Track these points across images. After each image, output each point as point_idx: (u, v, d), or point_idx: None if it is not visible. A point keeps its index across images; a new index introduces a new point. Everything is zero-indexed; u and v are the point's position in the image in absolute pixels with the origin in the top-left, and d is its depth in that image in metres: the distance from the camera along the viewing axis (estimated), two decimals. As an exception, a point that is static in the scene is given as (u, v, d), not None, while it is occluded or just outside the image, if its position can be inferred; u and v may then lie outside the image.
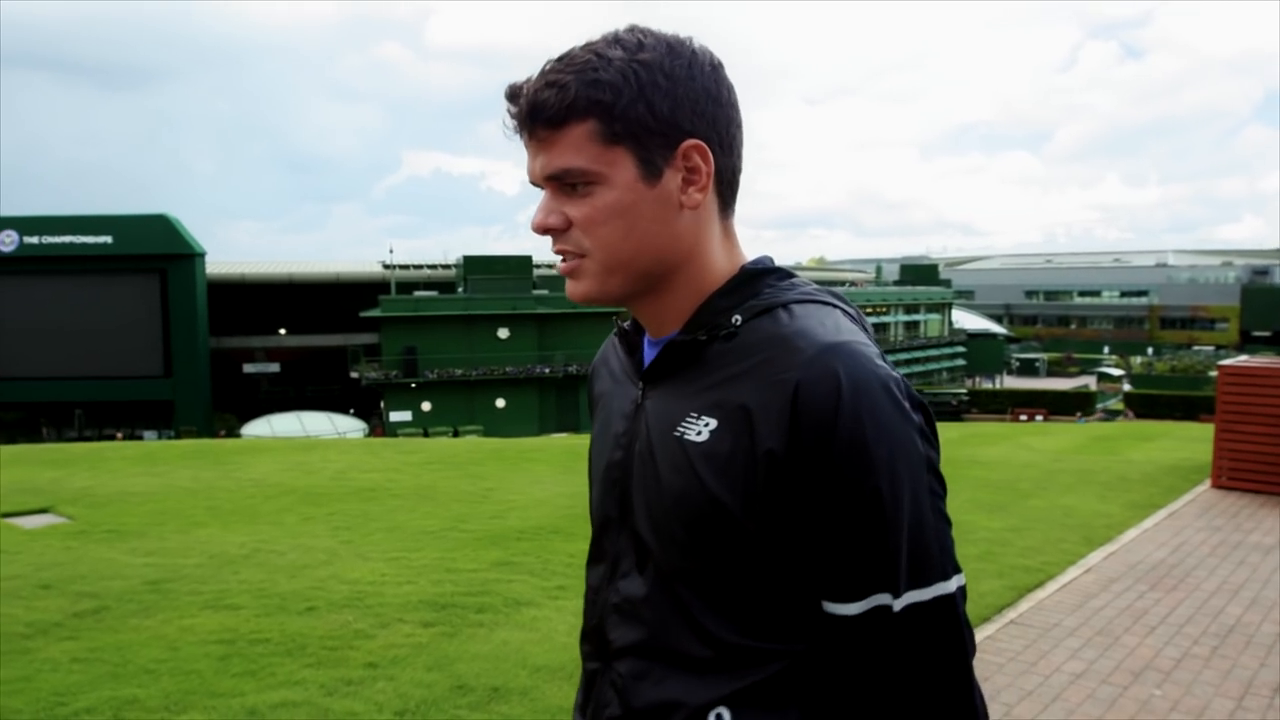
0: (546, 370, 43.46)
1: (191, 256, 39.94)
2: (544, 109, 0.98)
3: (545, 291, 44.92)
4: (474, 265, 44.29)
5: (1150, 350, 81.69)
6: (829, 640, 0.98)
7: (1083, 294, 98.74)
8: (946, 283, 71.00)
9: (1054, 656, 4.74)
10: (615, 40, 1.00)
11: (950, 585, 0.96)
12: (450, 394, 41.62)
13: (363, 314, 43.01)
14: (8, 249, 38.12)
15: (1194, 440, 21.41)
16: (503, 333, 42.91)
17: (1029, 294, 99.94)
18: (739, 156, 1.06)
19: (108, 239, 38.53)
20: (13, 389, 38.97)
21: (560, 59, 1.00)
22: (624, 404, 1.12)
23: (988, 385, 58.00)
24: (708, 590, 1.00)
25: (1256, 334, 78.78)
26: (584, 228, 1.00)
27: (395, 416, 40.42)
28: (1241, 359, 10.07)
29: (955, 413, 41.88)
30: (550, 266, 52.03)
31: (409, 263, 49.40)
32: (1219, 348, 76.21)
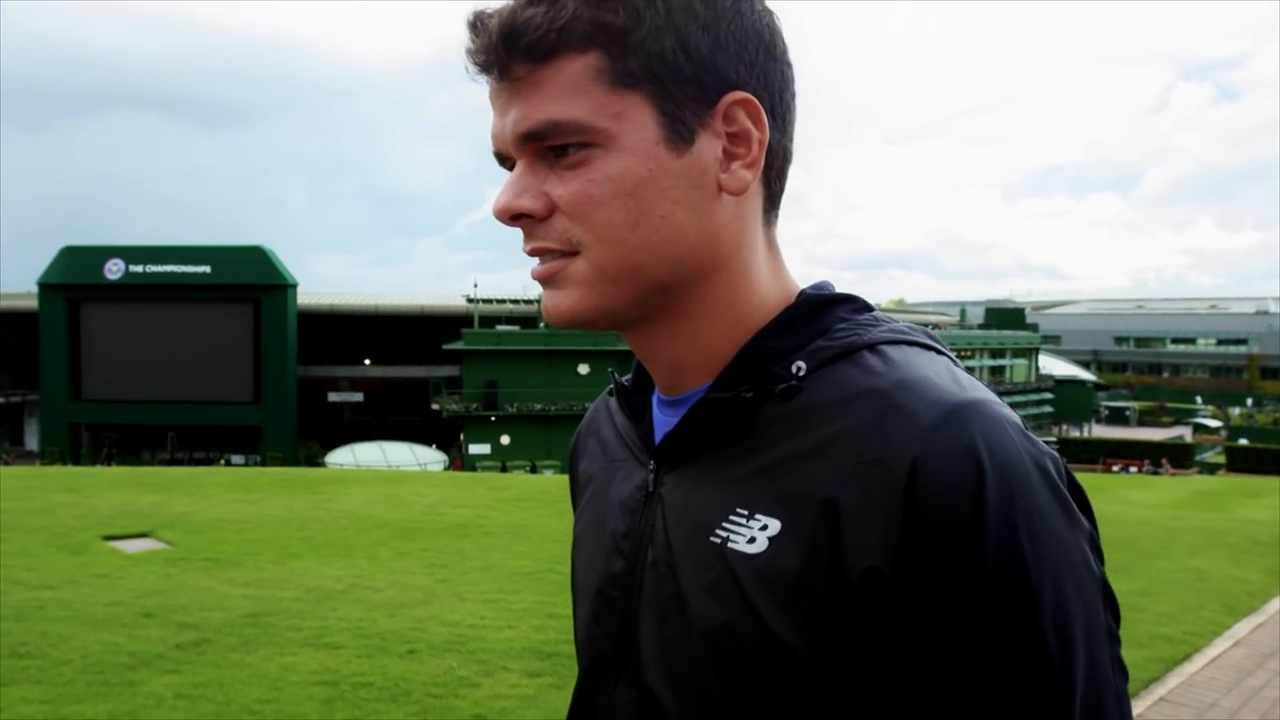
0: (624, 407, 43.47)
1: (284, 287, 41.16)
2: (524, 33, 0.65)
3: (624, 328, 45.06)
4: (555, 300, 44.67)
5: (1249, 401, 78.20)
6: None
7: (1176, 341, 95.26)
8: (1034, 327, 69.15)
9: (1218, 744, 4.30)
10: None
11: None
12: (529, 428, 41.84)
13: (445, 346, 43.66)
14: (115, 276, 39.86)
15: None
16: (583, 368, 43.06)
17: (1119, 340, 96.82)
18: (791, 138, 0.73)
19: (206, 269, 40.01)
20: (113, 410, 40.51)
21: None
22: (626, 492, 0.77)
23: (1075, 434, 56.02)
24: None
25: (1369, 385, 74.88)
26: (574, 211, 0.67)
27: (474, 449, 40.77)
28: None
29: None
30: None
31: (492, 297, 50.08)
32: (1325, 399, 72.58)
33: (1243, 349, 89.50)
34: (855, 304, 0.75)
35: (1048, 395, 63.96)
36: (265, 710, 4.24)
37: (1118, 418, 68.55)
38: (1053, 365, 70.82)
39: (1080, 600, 0.62)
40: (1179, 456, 42.20)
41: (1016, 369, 63.97)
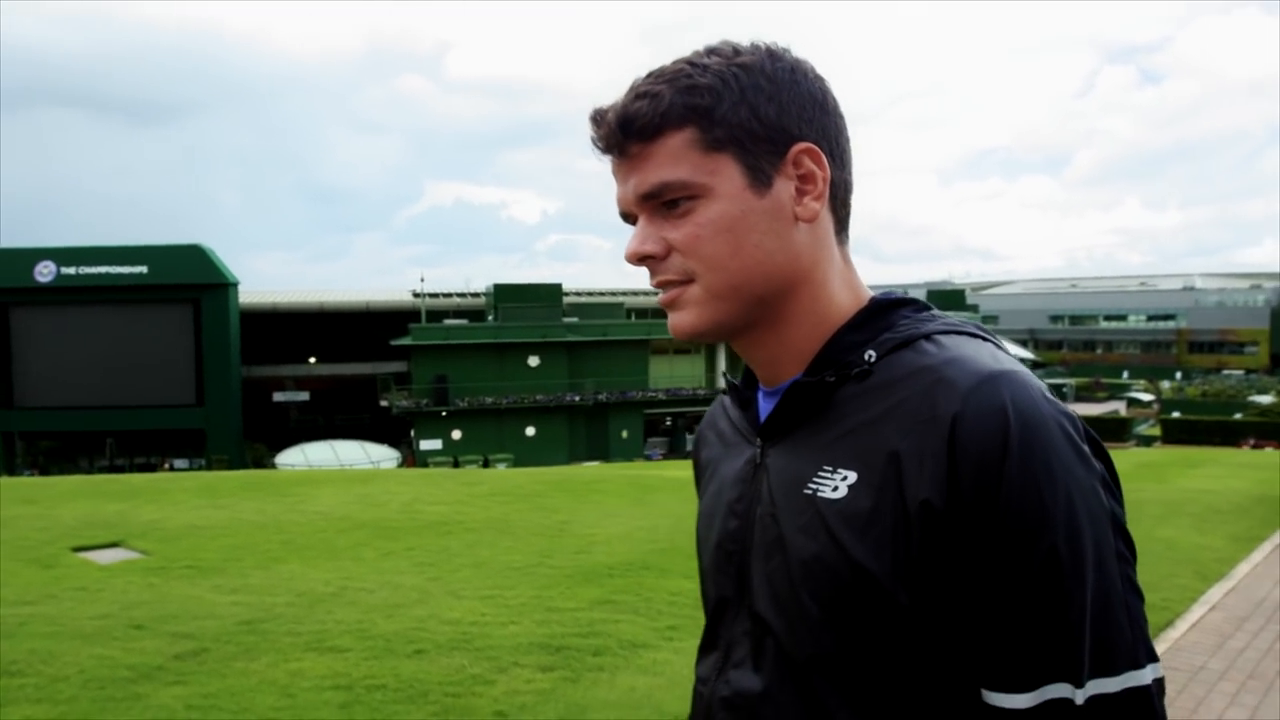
0: (577, 398, 43.31)
1: (225, 286, 40.17)
2: (635, 120, 0.87)
3: (575, 319, 44.88)
4: (504, 294, 44.34)
5: (1179, 375, 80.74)
6: None
7: (1109, 318, 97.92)
8: (974, 308, 70.50)
9: (1213, 702, 4.47)
10: (709, 50, 0.89)
11: (1145, 675, 0.77)
12: (480, 422, 41.51)
13: (393, 342, 43.05)
14: (46, 279, 38.46)
15: (1247, 467, 21.02)
16: (533, 361, 42.83)
17: (1054, 319, 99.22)
18: (850, 172, 0.93)
19: (143, 269, 38.82)
20: (49, 418, 39.19)
21: (650, 74, 0.89)
22: (738, 466, 0.96)
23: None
24: (848, 681, 0.82)
25: (1288, 358, 77.77)
26: (686, 249, 0.88)
27: (425, 445, 40.32)
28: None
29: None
30: (579, 294, 52.13)
31: (439, 291, 49.51)
32: (1249, 372, 75.33)
33: (1171, 324, 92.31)
34: (916, 305, 0.93)
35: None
36: (282, 717, 4.18)
37: (1055, 394, 70.01)
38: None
39: (1091, 525, 0.77)
40: (1116, 430, 43.48)
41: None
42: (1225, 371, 78.13)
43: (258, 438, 42.34)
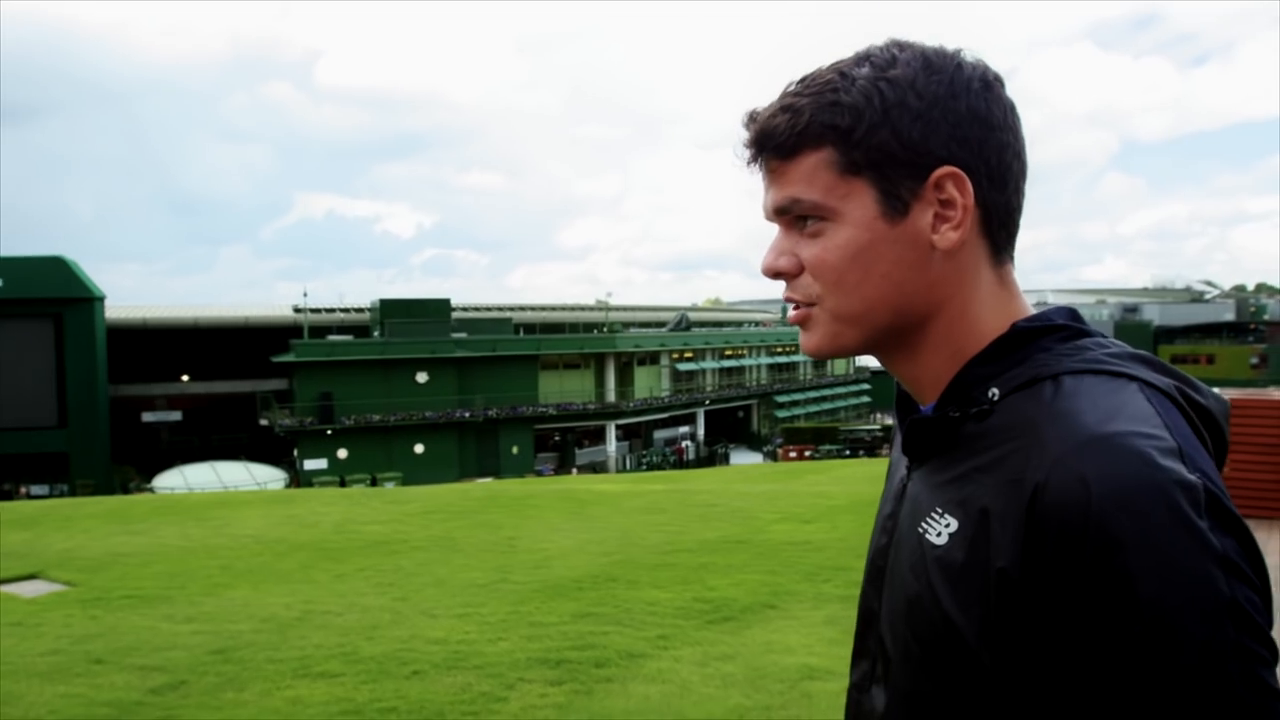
0: (467, 414, 42.73)
1: (90, 300, 37.83)
2: (774, 136, 0.86)
3: (464, 335, 44.29)
4: (391, 309, 43.38)
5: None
6: None
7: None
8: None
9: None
10: (865, 57, 0.85)
11: None
12: (367, 441, 40.41)
13: (275, 358, 41.45)
14: (-116, 293, 35.37)
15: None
16: (421, 377, 42.03)
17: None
18: (1017, 191, 0.88)
19: (-2, 282, 36.19)
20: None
21: (802, 79, 0.87)
22: (896, 482, 0.97)
23: (889, 421, 59.62)
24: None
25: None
26: (813, 270, 0.86)
27: (310, 464, 38.93)
28: (1233, 392, 10.62)
29: (871, 448, 42.96)
30: (467, 309, 51.46)
31: (321, 306, 47.96)
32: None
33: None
34: (1064, 333, 0.85)
35: (865, 385, 67.92)
36: (300, 746, 4.05)
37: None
38: (868, 357, 74.98)
39: (1195, 612, 0.66)
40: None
41: (836, 362, 67.53)
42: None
43: (126, 460, 39.94)
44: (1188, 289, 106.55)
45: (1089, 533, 0.68)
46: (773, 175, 0.87)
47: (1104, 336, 0.85)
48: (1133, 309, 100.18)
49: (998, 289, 0.87)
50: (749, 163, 0.89)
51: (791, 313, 0.90)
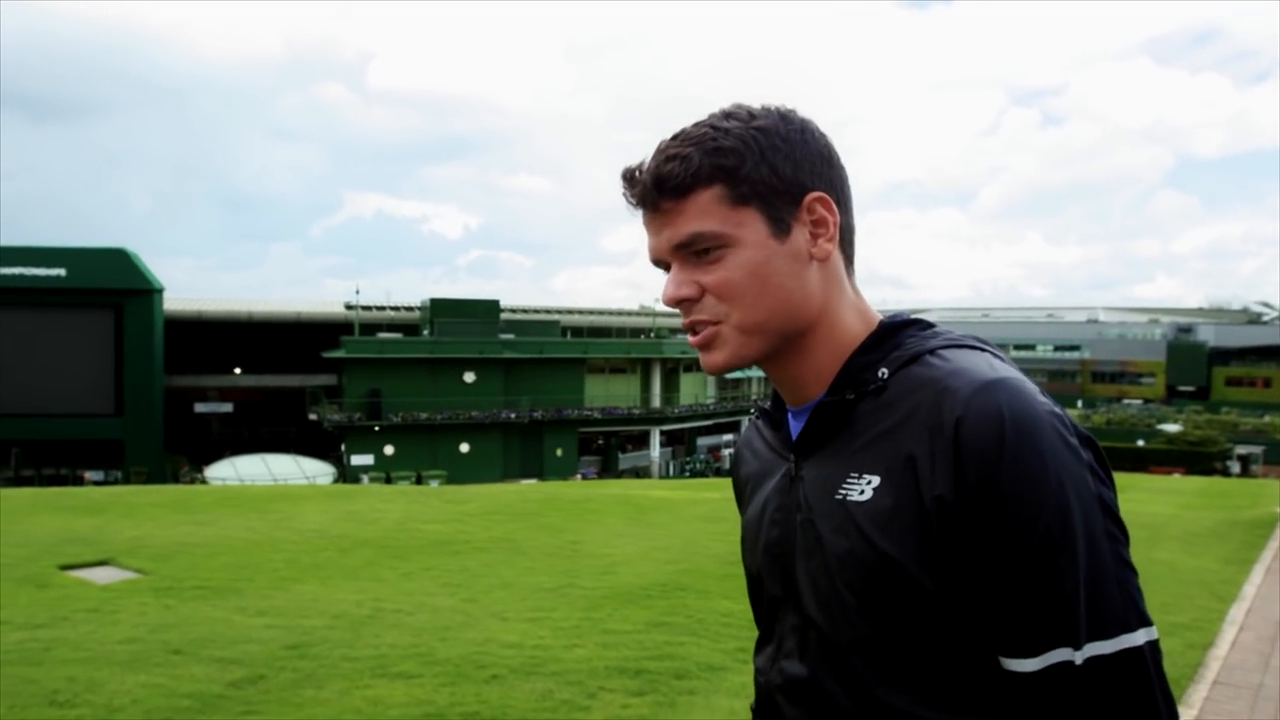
0: (512, 415, 42.86)
1: (149, 292, 38.57)
2: (668, 180, 0.96)
3: (512, 336, 44.47)
4: (440, 308, 43.67)
5: (1080, 403, 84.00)
6: (1014, 706, 0.90)
7: (1018, 347, 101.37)
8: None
9: (1288, 723, 4.62)
10: (726, 115, 0.99)
11: (1137, 638, 0.87)
12: (413, 438, 40.69)
13: (325, 354, 41.96)
14: (-47, 280, 36.36)
15: (1165, 492, 21.98)
16: (468, 377, 42.25)
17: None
18: (852, 215, 1.05)
19: (61, 272, 36.98)
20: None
21: (675, 136, 0.99)
22: (777, 480, 1.07)
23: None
24: (884, 661, 0.93)
25: (1181, 389, 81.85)
26: (718, 292, 0.98)
27: (356, 460, 39.31)
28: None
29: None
30: (515, 311, 51.67)
31: (372, 304, 48.47)
32: (1147, 401, 78.81)
33: (1076, 354, 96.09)
34: (921, 325, 1.04)
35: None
36: (384, 748, 3.99)
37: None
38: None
39: (1081, 506, 0.87)
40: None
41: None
42: (1125, 401, 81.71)
43: (177, 449, 40.67)
44: (1244, 310, 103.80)
45: (1005, 447, 0.86)
46: (667, 216, 0.98)
47: (941, 326, 1.03)
48: (1187, 329, 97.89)
49: (854, 296, 1.05)
50: (638, 208, 1.00)
51: (693, 338, 1.01)
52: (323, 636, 5.65)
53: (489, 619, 6.11)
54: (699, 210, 0.96)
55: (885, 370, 0.97)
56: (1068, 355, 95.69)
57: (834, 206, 0.99)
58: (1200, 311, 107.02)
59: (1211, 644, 5.84)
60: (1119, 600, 0.87)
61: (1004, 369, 0.93)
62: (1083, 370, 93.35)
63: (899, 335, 1.01)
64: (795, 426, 1.06)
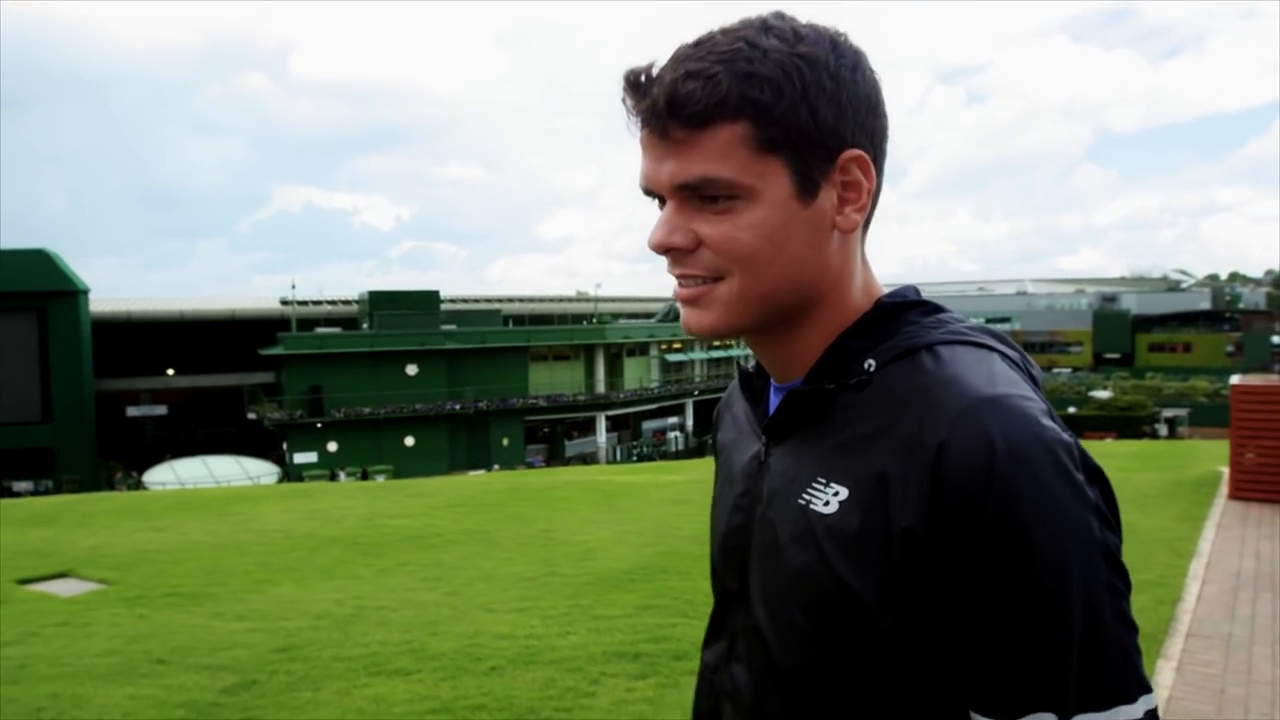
0: (457, 406, 42.49)
1: (74, 294, 37.28)
2: (686, 104, 0.79)
3: (453, 327, 44.02)
4: (379, 301, 43.04)
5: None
6: None
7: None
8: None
9: (1262, 667, 4.84)
10: (765, 27, 0.81)
11: (1136, 709, 0.75)
12: (357, 434, 40.12)
13: (263, 351, 41.06)
14: None
15: (1109, 456, 22.74)
16: (411, 369, 41.75)
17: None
18: (883, 174, 0.89)
19: (-23, 276, 35.57)
20: None
21: (699, 44, 0.81)
22: (746, 460, 0.96)
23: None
24: (832, 694, 0.82)
25: (1108, 356, 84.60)
26: (720, 249, 0.82)
27: (300, 458, 38.60)
28: (1250, 379, 10.68)
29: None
30: (455, 301, 51.14)
31: (309, 298, 47.55)
32: (1076, 370, 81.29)
33: (1007, 326, 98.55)
34: (924, 308, 0.89)
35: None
36: (396, 746, 3.95)
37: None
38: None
39: (1080, 557, 0.73)
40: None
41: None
42: (1055, 370, 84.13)
43: (110, 455, 39.47)
44: (1164, 278, 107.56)
45: (993, 485, 0.73)
46: (674, 145, 0.81)
47: (949, 311, 0.89)
48: (1111, 298, 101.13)
49: (864, 267, 0.90)
50: (643, 126, 0.83)
51: (682, 289, 0.86)
52: (309, 638, 5.56)
53: (476, 611, 6.06)
54: (717, 149, 0.79)
55: (873, 362, 0.84)
56: (999, 326, 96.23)
57: (872, 169, 0.84)
58: (1123, 281, 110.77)
59: (1179, 599, 6.07)
60: (1117, 665, 0.74)
61: (1006, 381, 0.79)
62: (1014, 340, 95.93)
63: (896, 320, 0.87)
64: (775, 403, 0.93)
